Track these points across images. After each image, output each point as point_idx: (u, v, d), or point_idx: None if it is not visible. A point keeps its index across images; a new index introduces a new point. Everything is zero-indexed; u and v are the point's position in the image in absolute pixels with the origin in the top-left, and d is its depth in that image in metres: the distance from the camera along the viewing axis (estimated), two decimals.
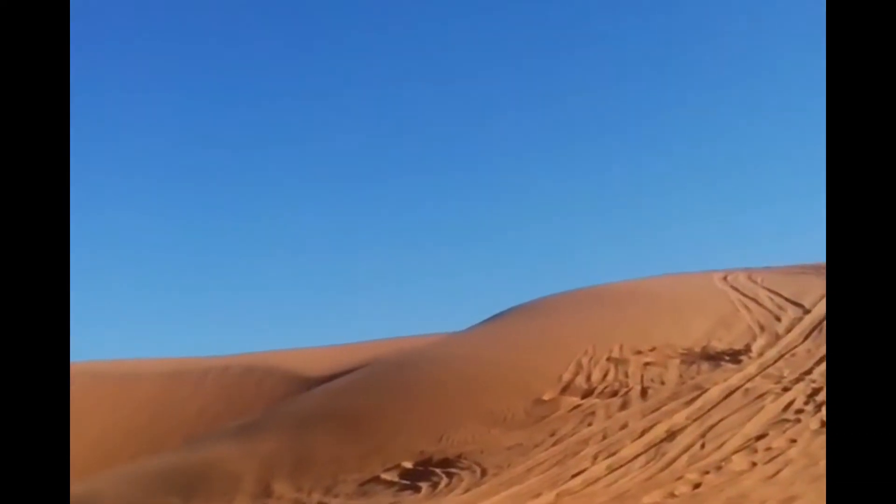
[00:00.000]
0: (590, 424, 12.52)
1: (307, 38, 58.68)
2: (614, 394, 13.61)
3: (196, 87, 58.97)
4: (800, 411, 11.78)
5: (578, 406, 13.35)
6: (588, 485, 10.31)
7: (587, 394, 13.81)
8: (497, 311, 22.08)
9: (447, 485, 11.42)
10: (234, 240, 58.67)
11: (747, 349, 14.79)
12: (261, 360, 27.63)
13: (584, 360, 15.02)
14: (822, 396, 12.18)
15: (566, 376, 14.49)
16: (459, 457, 12.33)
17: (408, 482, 12.05)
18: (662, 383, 13.80)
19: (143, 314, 52.01)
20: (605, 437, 11.86)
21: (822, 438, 10.79)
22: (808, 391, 12.45)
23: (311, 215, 60.02)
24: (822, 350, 14.28)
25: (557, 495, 10.03)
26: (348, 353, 25.08)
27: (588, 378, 14.39)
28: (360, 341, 28.21)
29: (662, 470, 10.44)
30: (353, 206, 60.35)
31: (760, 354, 14.48)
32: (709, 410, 12.28)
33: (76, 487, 16.56)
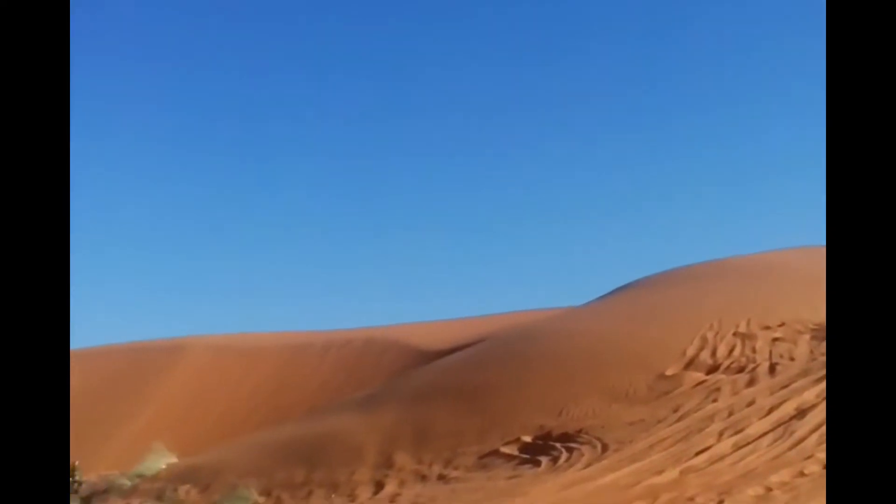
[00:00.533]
0: (715, 401, 12.17)
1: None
2: (741, 370, 13.20)
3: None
4: None
5: (703, 382, 12.99)
6: (713, 462, 10.03)
7: (712, 369, 13.43)
8: (620, 284, 21.74)
9: (567, 459, 11.27)
10: (357, 216, 59.50)
11: None
12: (381, 333, 27.93)
13: (710, 335, 14.61)
14: None
15: (690, 351, 14.12)
16: (580, 431, 12.17)
17: (527, 456, 11.96)
18: (792, 359, 13.30)
19: (268, 288, 53.31)
20: (730, 414, 11.51)
21: None
22: None
23: (430, 192, 60.33)
24: None
25: (681, 472, 9.79)
26: (467, 326, 25.10)
27: (713, 353, 14.00)
28: (479, 315, 28.21)
29: (791, 448, 10.08)
30: (474, 182, 60.38)
31: None
32: None
33: (204, 458, 17.07)
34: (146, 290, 53.69)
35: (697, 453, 10.34)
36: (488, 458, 12.34)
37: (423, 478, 12.44)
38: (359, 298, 51.12)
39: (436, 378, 17.13)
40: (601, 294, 21.78)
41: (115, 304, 50.67)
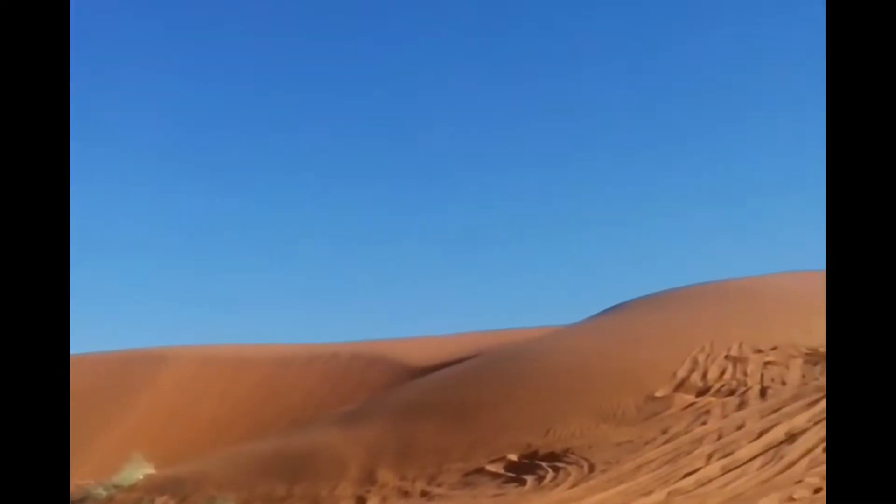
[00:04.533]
0: (704, 423, 11.97)
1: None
2: (731, 393, 13.01)
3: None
4: None
5: (693, 404, 12.80)
6: (701, 485, 9.81)
7: (703, 392, 13.24)
8: (612, 304, 21.54)
9: (553, 479, 11.05)
10: (348, 229, 59.29)
11: None
12: (367, 348, 27.65)
13: (701, 357, 14.42)
14: None
15: (681, 373, 13.94)
16: (567, 451, 11.95)
17: (513, 475, 11.74)
18: (783, 384, 13.11)
19: (254, 301, 53.01)
20: (720, 437, 11.30)
21: None
22: None
23: (422, 207, 60.18)
24: None
25: (669, 494, 9.56)
26: (456, 343, 24.87)
27: (704, 375, 13.81)
28: (469, 332, 27.98)
29: (781, 473, 9.86)
30: (466, 198, 60.27)
31: None
32: None
33: (184, 469, 16.80)
34: (132, 298, 53.37)
35: (685, 475, 10.11)
36: (473, 476, 12.12)
37: (406, 494, 12.21)
38: (347, 312, 50.82)
39: (422, 394, 16.90)
40: (593, 314, 21.58)
41: (100, 312, 50.31)
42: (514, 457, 12.31)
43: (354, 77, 59.36)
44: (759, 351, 14.49)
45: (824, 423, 11.26)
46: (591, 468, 11.05)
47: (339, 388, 24.40)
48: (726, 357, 14.43)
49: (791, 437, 10.93)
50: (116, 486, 15.78)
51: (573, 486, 10.55)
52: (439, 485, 12.19)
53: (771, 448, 10.69)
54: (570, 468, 11.26)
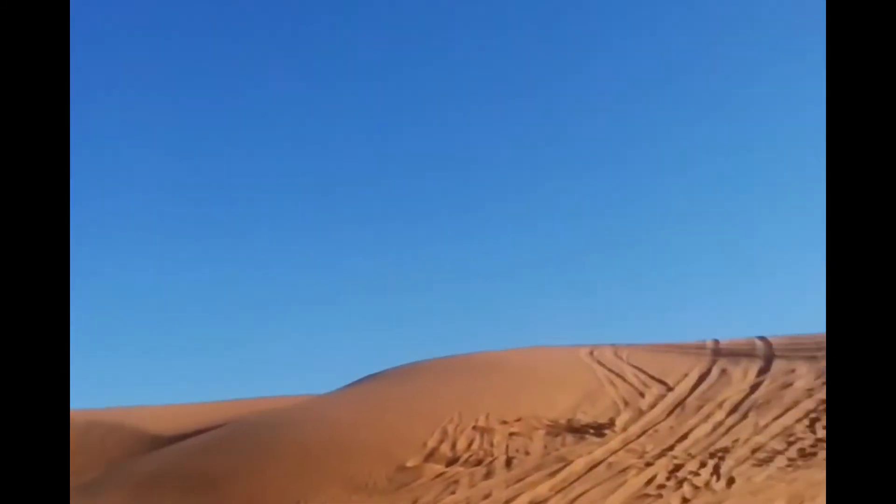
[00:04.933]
0: (453, 493, 12.28)
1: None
2: (479, 462, 13.43)
3: None
4: (661, 486, 11.86)
5: (442, 474, 13.10)
6: None
7: (451, 462, 13.57)
8: (364, 374, 21.67)
9: None
10: (91, 293, 56.35)
11: (611, 423, 14.85)
12: (105, 415, 26.21)
13: (450, 428, 14.79)
14: (683, 473, 12.25)
15: (431, 443, 14.23)
16: None
17: None
18: (527, 454, 13.68)
19: None
20: None
21: None
22: (670, 467, 12.53)
23: (177, 271, 58.30)
24: (684, 427, 14.46)
25: None
26: (204, 411, 24.06)
27: (453, 446, 14.16)
28: (219, 400, 27.14)
29: None
30: (219, 261, 58.94)
31: (624, 429, 14.55)
32: (572, 483, 12.21)
33: None
34: None
35: None
36: None
37: None
38: (84, 378, 48.02)
39: (166, 464, 16.24)
40: (344, 383, 21.62)
41: None
42: None
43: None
44: (505, 422, 15.04)
45: (565, 492, 11.86)
46: None
47: (76, 458, 22.85)
48: (474, 428, 14.87)
49: None
50: None
51: None
52: None
53: None
54: None
